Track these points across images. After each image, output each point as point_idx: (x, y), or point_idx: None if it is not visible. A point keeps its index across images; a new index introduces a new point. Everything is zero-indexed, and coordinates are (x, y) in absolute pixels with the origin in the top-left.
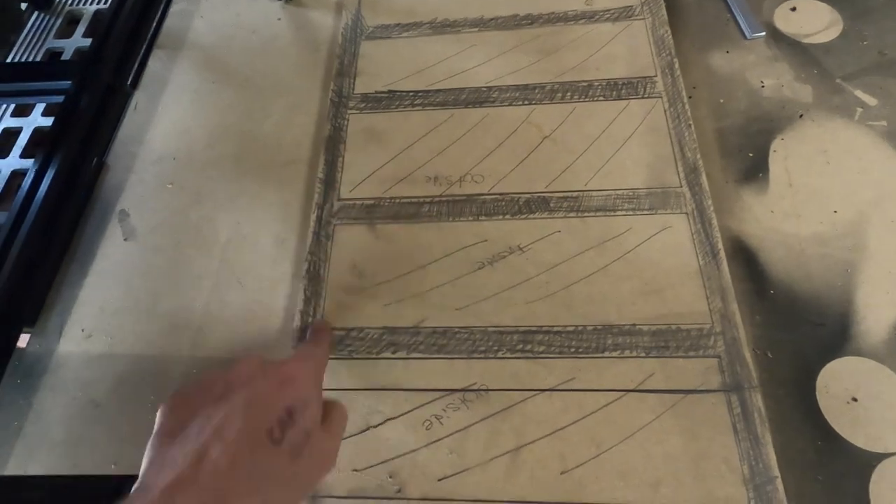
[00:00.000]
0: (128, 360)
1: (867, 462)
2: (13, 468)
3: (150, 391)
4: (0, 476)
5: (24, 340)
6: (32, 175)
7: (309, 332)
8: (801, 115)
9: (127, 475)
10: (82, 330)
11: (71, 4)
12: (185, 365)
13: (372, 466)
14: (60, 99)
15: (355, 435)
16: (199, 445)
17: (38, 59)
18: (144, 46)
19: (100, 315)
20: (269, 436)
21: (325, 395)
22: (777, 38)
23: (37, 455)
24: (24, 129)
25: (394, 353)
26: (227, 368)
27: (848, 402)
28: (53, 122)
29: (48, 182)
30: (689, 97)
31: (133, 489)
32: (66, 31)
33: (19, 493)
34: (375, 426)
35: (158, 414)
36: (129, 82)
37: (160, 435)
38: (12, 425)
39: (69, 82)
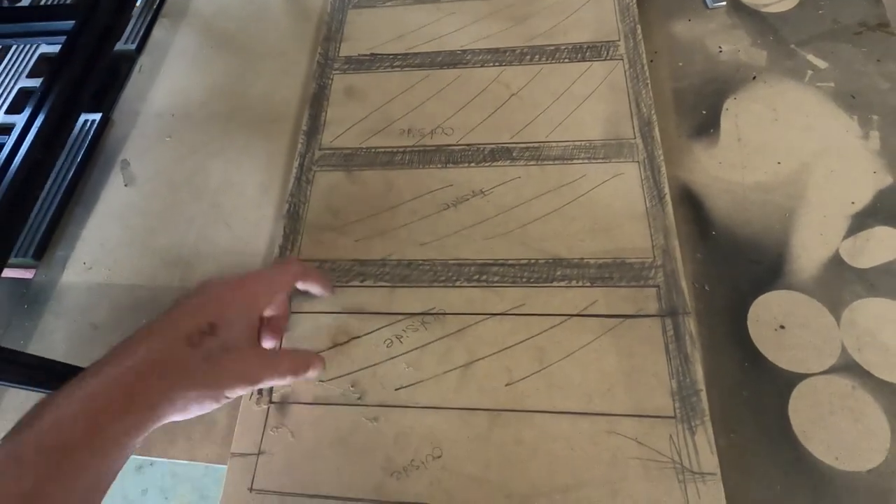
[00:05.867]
0: (124, 289)
1: (789, 381)
2: None
3: (143, 316)
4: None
5: (30, 272)
6: (38, 95)
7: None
8: (754, 77)
9: None
10: (84, 263)
11: None
12: (176, 293)
13: (336, 378)
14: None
15: (322, 351)
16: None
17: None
18: (151, 15)
19: (100, 250)
20: (188, 340)
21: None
22: (737, 7)
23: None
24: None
25: (362, 281)
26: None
27: (776, 329)
28: (57, 54)
29: (52, 100)
30: (651, 61)
31: None
32: None
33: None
34: (341, 344)
35: None
36: (135, 47)
37: None
38: (19, 344)
39: (72, 21)
